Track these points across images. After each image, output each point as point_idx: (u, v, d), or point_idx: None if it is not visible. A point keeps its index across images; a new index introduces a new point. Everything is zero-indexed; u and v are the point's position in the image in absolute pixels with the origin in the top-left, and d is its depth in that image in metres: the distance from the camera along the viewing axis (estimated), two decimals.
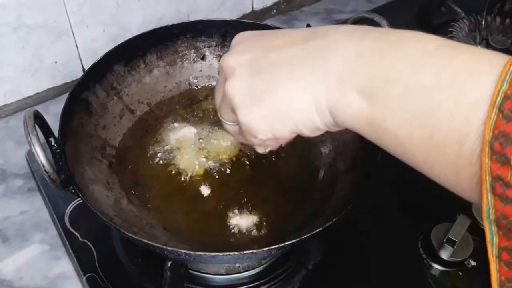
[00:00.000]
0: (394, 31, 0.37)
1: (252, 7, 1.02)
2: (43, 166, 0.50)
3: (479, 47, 0.91)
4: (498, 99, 0.28)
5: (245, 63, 0.42)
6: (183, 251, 0.49)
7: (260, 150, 0.50)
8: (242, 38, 0.45)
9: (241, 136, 0.47)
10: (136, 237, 0.50)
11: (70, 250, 0.65)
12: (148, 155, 0.67)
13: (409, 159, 0.36)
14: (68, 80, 0.86)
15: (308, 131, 0.41)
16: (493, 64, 0.30)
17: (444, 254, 0.64)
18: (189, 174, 0.65)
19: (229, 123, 0.48)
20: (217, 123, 0.71)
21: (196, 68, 0.77)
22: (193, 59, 0.76)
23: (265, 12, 1.04)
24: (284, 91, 0.39)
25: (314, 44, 0.39)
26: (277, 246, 0.49)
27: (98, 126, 0.66)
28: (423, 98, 0.32)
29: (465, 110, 0.30)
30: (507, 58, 0.30)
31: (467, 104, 0.30)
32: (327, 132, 0.69)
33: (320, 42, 0.39)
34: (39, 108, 0.54)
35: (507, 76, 0.29)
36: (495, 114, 0.28)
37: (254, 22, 0.75)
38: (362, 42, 0.37)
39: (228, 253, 0.50)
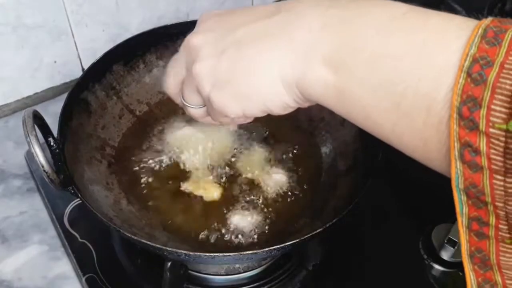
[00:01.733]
0: (361, 0, 0.36)
1: None
2: (42, 166, 0.49)
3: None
4: (467, 63, 0.28)
5: (209, 42, 0.41)
6: (183, 251, 0.49)
7: (231, 128, 0.50)
8: (205, 17, 0.45)
9: (207, 118, 0.48)
10: (135, 237, 0.50)
11: (70, 251, 0.65)
12: (148, 155, 0.67)
13: (378, 130, 0.35)
14: (68, 80, 0.85)
15: (277, 109, 0.40)
16: (462, 27, 0.30)
17: (445, 255, 0.64)
18: (189, 174, 0.64)
19: (194, 107, 0.47)
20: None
21: None
22: None
23: None
24: (250, 69, 0.39)
25: (278, 19, 0.38)
26: (277, 246, 0.49)
27: (97, 126, 0.66)
28: (391, 65, 0.32)
29: (433, 75, 0.30)
30: (475, 22, 0.30)
31: (435, 69, 0.30)
32: (327, 132, 0.69)
33: (284, 15, 0.38)
34: (38, 108, 0.54)
35: (476, 40, 0.28)
36: (463, 78, 0.28)
37: None
38: (328, 11, 0.36)
39: (228, 254, 0.50)
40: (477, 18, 0.91)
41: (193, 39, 0.43)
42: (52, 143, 0.56)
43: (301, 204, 0.63)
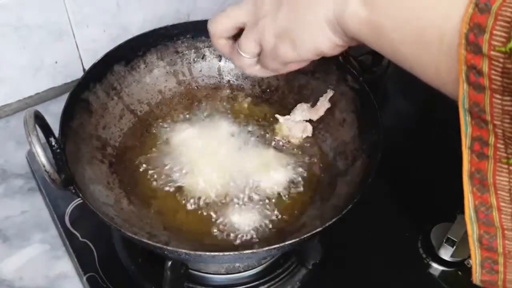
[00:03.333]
0: None
1: None
2: (44, 166, 0.50)
3: None
4: None
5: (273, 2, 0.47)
6: (183, 251, 0.49)
7: (277, 72, 0.54)
8: None
9: (254, 67, 0.54)
10: (136, 237, 0.50)
11: (71, 250, 0.65)
12: (149, 155, 0.67)
13: (404, 61, 0.39)
14: (69, 80, 0.86)
15: (327, 49, 0.46)
16: None
17: (444, 254, 0.64)
18: (190, 173, 0.65)
19: (247, 56, 0.52)
20: (217, 123, 0.71)
21: (196, 68, 0.77)
22: (193, 59, 0.77)
23: None
24: (303, 19, 0.45)
25: None
26: (277, 246, 0.49)
27: (98, 126, 0.66)
28: (415, 2, 0.36)
29: (445, 7, 0.34)
30: None
31: (448, 3, 0.34)
32: (327, 132, 0.70)
33: None
34: (40, 108, 0.54)
35: None
36: (472, 8, 0.31)
37: None
38: None
39: (228, 253, 0.50)
40: None
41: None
42: (53, 143, 0.56)
43: (301, 203, 0.63)
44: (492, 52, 0.30)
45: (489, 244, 0.36)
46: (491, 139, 0.33)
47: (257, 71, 0.55)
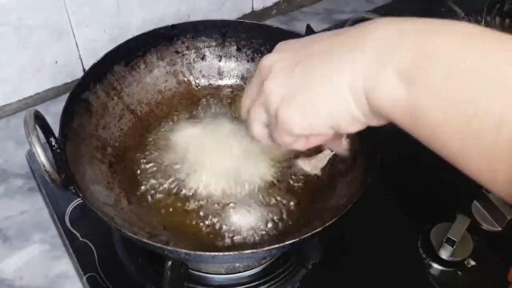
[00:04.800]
0: (432, 19, 0.36)
1: (252, 8, 1.02)
2: (44, 166, 0.50)
3: None
4: None
5: (283, 59, 0.42)
6: (183, 250, 0.49)
7: (290, 147, 0.47)
8: (282, 44, 0.45)
9: (269, 139, 0.47)
10: (136, 236, 0.51)
11: (71, 250, 0.65)
12: (149, 155, 0.67)
13: (444, 149, 0.34)
14: (69, 80, 0.86)
15: (345, 123, 0.39)
16: None
17: (444, 254, 0.64)
18: (190, 173, 0.65)
19: (257, 125, 0.46)
20: (217, 123, 0.71)
21: (197, 68, 0.77)
22: (193, 59, 0.77)
23: (265, 12, 1.05)
24: (320, 80, 0.38)
25: (351, 33, 0.38)
26: (277, 246, 0.49)
27: (98, 126, 0.66)
28: (465, 82, 0.31)
29: (505, 95, 0.29)
30: None
31: (508, 90, 0.29)
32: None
33: (358, 29, 0.38)
34: (40, 108, 0.54)
35: None
36: None
37: (254, 22, 0.76)
38: (403, 24, 0.36)
39: (228, 253, 0.50)
40: (476, 19, 0.91)
41: (267, 59, 0.43)
42: (53, 143, 0.56)
43: (301, 203, 0.63)
44: None
45: None
46: None
47: (271, 142, 0.48)
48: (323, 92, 0.38)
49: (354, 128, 0.40)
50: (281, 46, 0.45)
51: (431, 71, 0.32)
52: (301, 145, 0.46)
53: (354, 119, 0.39)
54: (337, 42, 0.38)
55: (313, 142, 0.47)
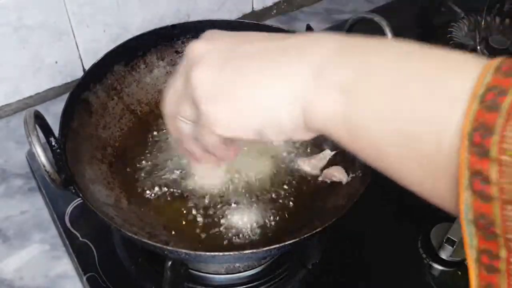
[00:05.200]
0: (370, 38, 0.35)
1: (252, 8, 1.02)
2: (44, 166, 0.50)
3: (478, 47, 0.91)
4: (480, 92, 0.27)
5: (215, 51, 0.38)
6: (183, 250, 0.49)
7: (195, 162, 0.45)
8: (214, 33, 0.41)
9: (190, 141, 0.44)
10: (136, 236, 0.51)
11: (71, 250, 0.65)
12: (149, 155, 0.67)
13: (382, 161, 0.34)
14: (69, 80, 0.86)
15: (272, 132, 0.37)
16: (475, 61, 0.29)
17: (444, 254, 0.64)
18: (190, 173, 0.65)
19: (185, 120, 0.42)
20: None
21: None
22: None
23: (265, 12, 1.05)
24: (254, 84, 0.36)
25: (292, 41, 0.37)
26: (277, 246, 0.49)
27: (98, 126, 0.66)
28: (403, 94, 0.31)
29: (445, 105, 0.29)
30: (488, 60, 0.29)
31: (448, 99, 0.29)
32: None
33: (299, 39, 0.37)
34: (40, 108, 0.54)
35: (491, 70, 0.28)
36: (476, 105, 0.27)
37: (254, 22, 0.76)
38: (344, 39, 0.35)
39: (228, 253, 0.50)
40: (476, 19, 0.91)
41: (196, 46, 0.40)
42: (53, 143, 0.56)
43: (301, 203, 0.63)
44: (503, 157, 0.25)
45: None
46: (503, 253, 0.27)
47: (192, 146, 0.44)
48: (256, 96, 0.36)
49: (278, 138, 0.38)
50: (212, 35, 0.41)
51: (370, 86, 0.32)
52: (226, 155, 0.44)
53: (281, 129, 0.37)
54: (277, 49, 0.37)
55: (231, 153, 0.44)
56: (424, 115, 0.30)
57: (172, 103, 0.43)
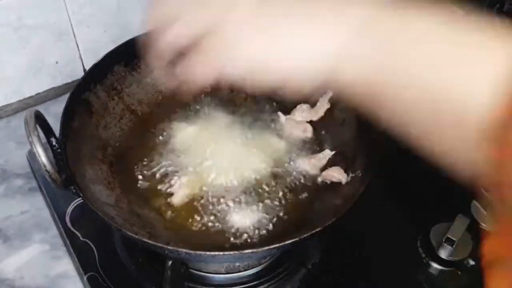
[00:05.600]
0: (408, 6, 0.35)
1: None
2: (44, 166, 0.50)
3: None
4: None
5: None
6: (184, 250, 0.49)
7: (189, 84, 0.44)
8: None
9: (164, 66, 0.43)
10: (137, 236, 0.51)
11: (71, 250, 0.65)
12: (149, 155, 0.67)
13: (413, 119, 0.33)
14: (69, 81, 0.86)
15: (294, 79, 0.37)
16: (506, 40, 0.30)
17: (443, 254, 0.64)
18: (190, 173, 0.65)
19: (186, 24, 0.41)
20: (217, 123, 0.71)
21: None
22: None
23: None
24: (292, 28, 0.36)
25: (336, 1, 0.37)
26: (277, 245, 0.50)
27: (99, 126, 0.67)
28: (440, 52, 0.31)
29: (476, 77, 0.29)
30: None
31: (479, 74, 0.29)
32: (327, 132, 0.70)
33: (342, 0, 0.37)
34: (40, 108, 0.54)
35: None
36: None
37: None
38: (382, 4, 0.35)
39: (228, 252, 0.50)
40: None
41: None
42: (54, 143, 0.56)
43: (301, 203, 0.63)
44: None
45: None
46: None
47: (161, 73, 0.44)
48: (296, 41, 0.36)
49: (303, 86, 0.38)
50: None
51: (407, 39, 0.33)
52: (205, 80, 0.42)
53: (311, 76, 0.37)
54: (321, 4, 0.37)
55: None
56: (459, 73, 0.30)
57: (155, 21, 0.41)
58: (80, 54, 0.84)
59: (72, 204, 0.69)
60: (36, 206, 0.71)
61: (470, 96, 0.29)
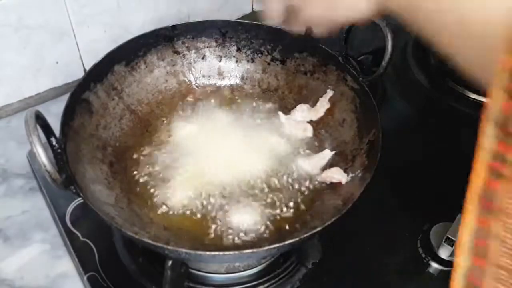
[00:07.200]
0: None
1: (252, 8, 1.02)
2: (45, 166, 0.50)
3: None
4: None
5: None
6: (184, 250, 0.49)
7: (302, 24, 0.57)
8: None
9: (281, 16, 0.57)
10: (137, 236, 0.51)
11: (71, 250, 0.65)
12: (149, 154, 0.67)
13: (436, 36, 0.38)
14: (69, 81, 0.86)
15: (354, 13, 0.50)
16: None
17: (443, 254, 0.64)
18: (190, 173, 0.65)
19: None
20: (217, 123, 0.71)
21: (197, 68, 0.77)
22: (194, 59, 0.77)
23: None
24: None
25: None
26: (277, 245, 0.50)
27: (99, 126, 0.67)
28: None
29: None
30: None
31: None
32: (326, 132, 0.70)
33: None
34: (40, 108, 0.54)
35: None
36: None
37: (254, 22, 0.76)
38: None
39: (228, 252, 0.50)
40: None
41: None
42: (54, 143, 0.56)
43: (300, 203, 0.63)
44: None
45: (475, 283, 0.31)
46: (510, 156, 0.28)
47: (277, 22, 0.58)
48: None
49: (360, 17, 0.50)
50: None
51: None
52: (319, 27, 0.56)
53: (361, 11, 0.49)
54: None
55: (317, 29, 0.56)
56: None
57: None
58: (80, 54, 0.85)
59: (72, 204, 0.69)
60: (37, 206, 0.71)
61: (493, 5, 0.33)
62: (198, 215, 0.61)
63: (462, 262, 0.32)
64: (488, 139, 0.29)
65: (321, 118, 0.71)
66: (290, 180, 0.65)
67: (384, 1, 0.46)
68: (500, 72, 0.28)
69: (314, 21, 0.54)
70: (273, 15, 0.57)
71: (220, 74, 0.78)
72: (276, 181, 0.65)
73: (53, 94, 0.86)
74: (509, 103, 0.28)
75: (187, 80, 0.77)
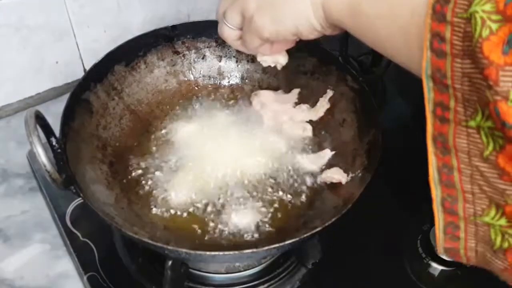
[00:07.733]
0: None
1: None
2: (44, 166, 0.50)
3: None
4: None
5: None
6: (184, 250, 0.49)
7: (256, 51, 0.59)
8: None
9: (238, 41, 0.58)
10: (137, 236, 0.51)
11: (71, 250, 0.65)
12: (149, 154, 0.67)
13: (376, 38, 0.43)
14: (69, 80, 0.86)
15: (306, 31, 0.50)
16: None
17: None
18: (190, 173, 0.65)
19: (232, 27, 0.56)
20: (217, 123, 0.71)
21: (197, 68, 0.77)
22: (194, 59, 0.77)
23: None
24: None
25: None
26: (277, 245, 0.50)
27: (99, 126, 0.67)
28: None
29: None
30: None
31: None
32: (326, 132, 0.70)
33: None
34: (40, 108, 0.54)
35: None
36: None
37: None
38: None
39: (228, 252, 0.50)
40: None
41: None
42: (54, 143, 0.56)
43: (301, 203, 0.63)
44: (454, 19, 0.33)
45: (451, 207, 0.38)
46: (452, 103, 0.34)
47: (238, 45, 0.59)
48: (290, 4, 0.49)
49: (313, 35, 0.51)
50: None
51: None
52: (266, 50, 0.58)
53: (312, 27, 0.50)
54: None
55: (276, 49, 0.59)
56: None
57: (221, 12, 0.57)
58: (80, 54, 0.85)
59: (72, 204, 0.69)
60: (37, 206, 0.71)
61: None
62: (198, 215, 0.61)
63: (435, 193, 0.40)
64: (427, 91, 0.35)
65: (321, 118, 0.71)
66: (290, 180, 0.65)
67: (329, 14, 0.47)
68: (426, 34, 0.34)
69: (265, 35, 0.52)
70: (227, 35, 0.58)
71: (220, 74, 0.78)
72: (276, 181, 0.65)
73: (53, 94, 0.86)
74: (434, 58, 0.34)
75: (187, 80, 0.77)
